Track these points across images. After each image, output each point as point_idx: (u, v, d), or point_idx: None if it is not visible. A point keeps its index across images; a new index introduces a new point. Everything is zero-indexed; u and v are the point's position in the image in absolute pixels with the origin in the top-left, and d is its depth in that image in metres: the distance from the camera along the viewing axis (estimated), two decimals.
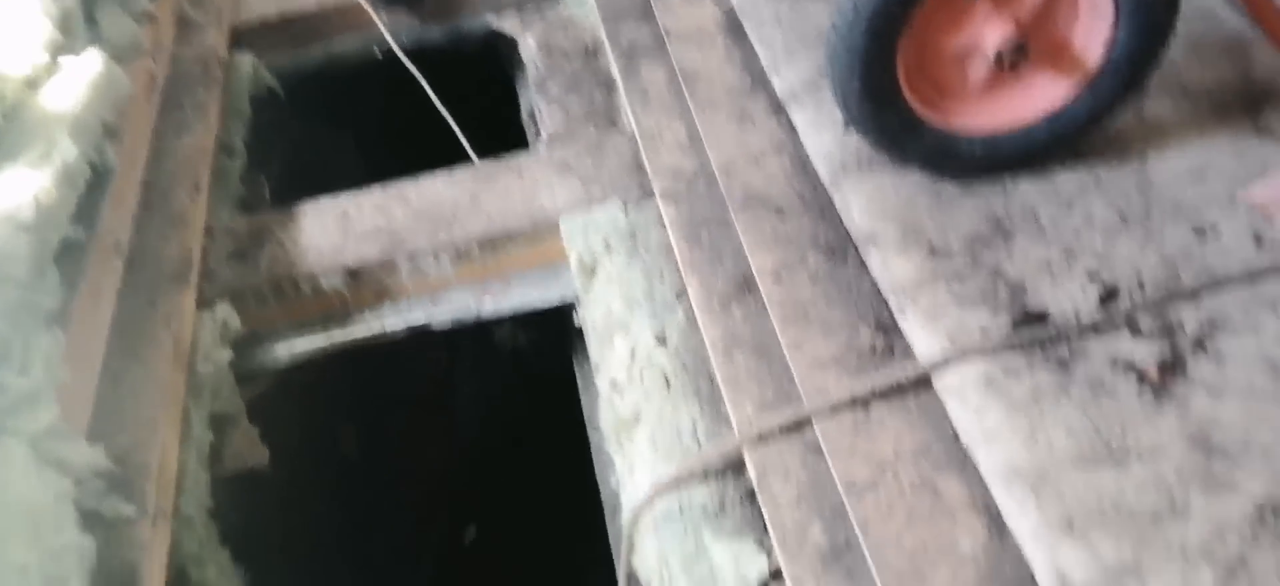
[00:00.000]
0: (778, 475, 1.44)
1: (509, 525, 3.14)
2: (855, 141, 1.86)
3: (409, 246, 1.95)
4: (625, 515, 1.54)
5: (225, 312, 1.86)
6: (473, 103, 2.63)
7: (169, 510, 1.52)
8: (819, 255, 1.73)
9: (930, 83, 1.68)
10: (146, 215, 1.98)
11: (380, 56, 2.79)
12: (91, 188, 1.78)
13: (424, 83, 2.54)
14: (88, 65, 1.81)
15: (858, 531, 1.36)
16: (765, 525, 1.43)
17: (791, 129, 1.98)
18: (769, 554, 1.40)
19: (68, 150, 1.64)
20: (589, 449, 2.22)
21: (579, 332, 2.20)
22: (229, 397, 1.86)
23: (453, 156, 2.37)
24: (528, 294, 2.02)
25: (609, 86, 2.44)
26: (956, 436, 1.46)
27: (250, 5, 2.67)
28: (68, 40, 1.90)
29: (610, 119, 2.34)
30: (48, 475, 1.30)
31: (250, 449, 1.90)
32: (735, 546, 1.41)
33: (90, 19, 2.07)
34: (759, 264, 1.72)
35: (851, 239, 1.74)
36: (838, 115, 1.92)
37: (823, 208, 1.81)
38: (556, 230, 1.99)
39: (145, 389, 1.64)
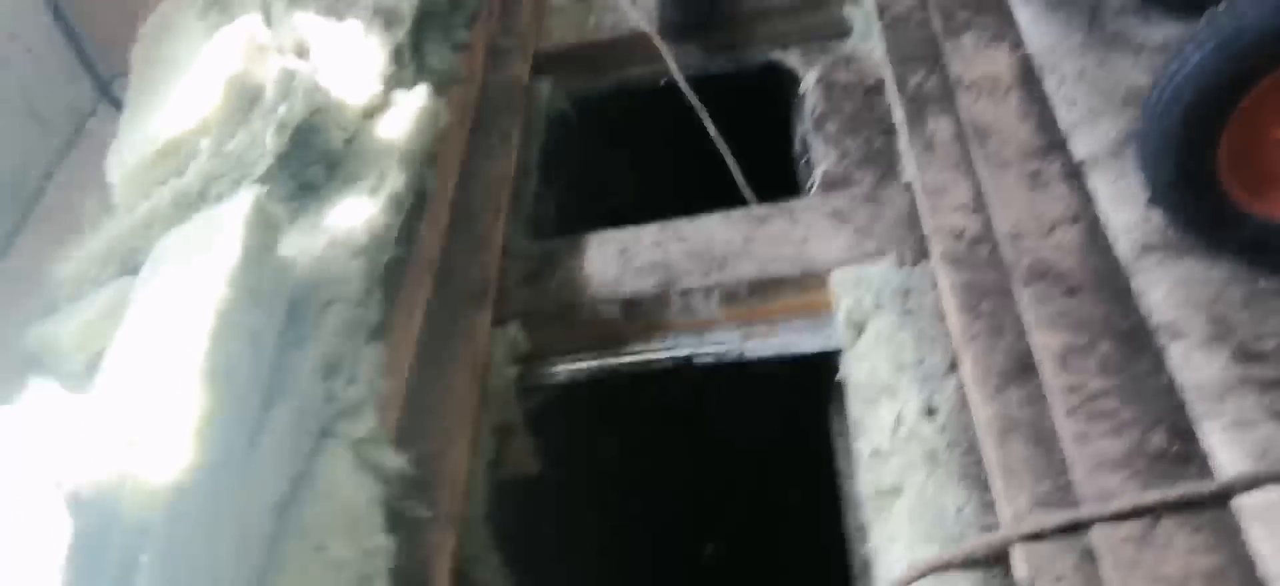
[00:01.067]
0: (1049, 579, 1.38)
1: (749, 549, 3.18)
2: (1162, 218, 1.73)
3: (682, 284, 2.03)
4: None
5: (516, 332, 2.02)
6: (747, 134, 2.68)
7: (458, 514, 1.68)
8: (1111, 343, 1.63)
9: (1256, 171, 1.53)
10: (454, 237, 2.18)
11: (663, 85, 2.91)
12: (412, 210, 1.99)
13: (704, 113, 2.62)
14: (416, 99, 2.03)
15: None
16: None
17: (1088, 198, 1.86)
18: None
19: (397, 180, 1.84)
20: (837, 498, 2.22)
21: (838, 385, 2.20)
22: (512, 410, 2.02)
23: (725, 185, 2.43)
24: (791, 339, 2.05)
25: (888, 130, 2.40)
26: (1255, 565, 1.33)
27: (552, 33, 2.86)
28: (399, 71, 2.12)
29: (888, 165, 2.30)
30: (365, 479, 1.47)
31: (525, 458, 2.06)
32: None
33: (417, 50, 2.30)
34: (1043, 344, 1.65)
35: (1149, 329, 1.62)
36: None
37: (1119, 290, 1.70)
38: (825, 281, 1.99)
39: (445, 400, 1.82)
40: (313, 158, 1.83)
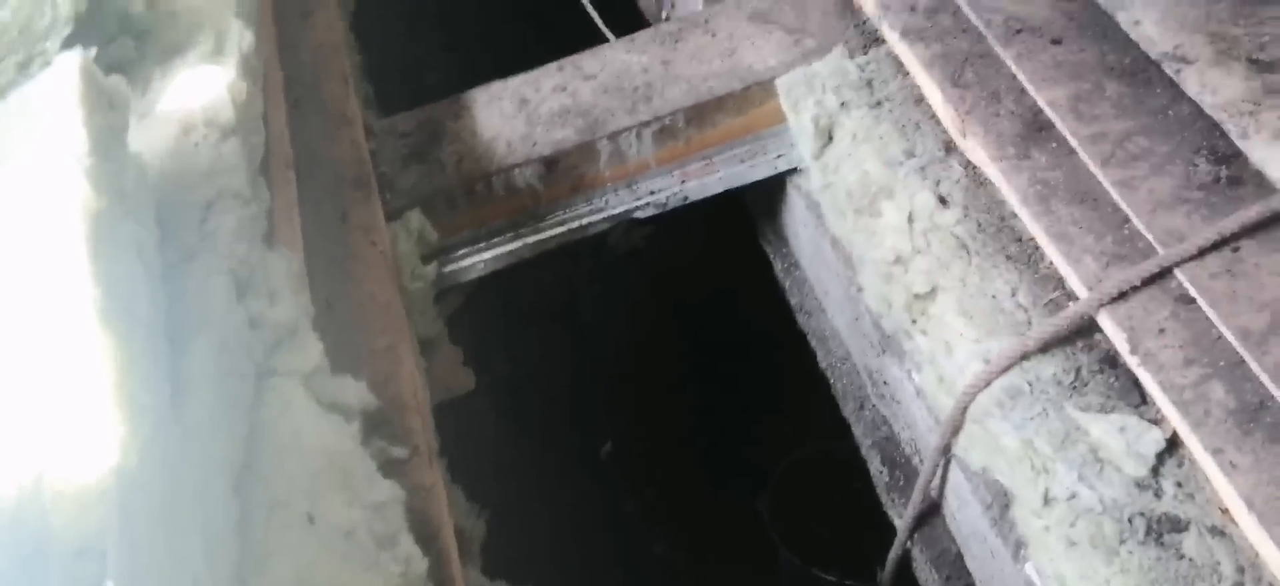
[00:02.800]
0: (1151, 334, 1.24)
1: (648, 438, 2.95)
2: None
3: (608, 126, 1.70)
4: (954, 400, 1.33)
5: (419, 221, 1.63)
6: None
7: (435, 447, 1.31)
8: (1118, 82, 1.49)
9: None
10: (302, 117, 1.71)
11: None
12: None
13: None
14: None
15: (1272, 386, 1.16)
16: (1141, 392, 1.23)
17: None
18: (1159, 423, 1.20)
19: (244, 37, 1.37)
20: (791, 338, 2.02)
21: (774, 213, 1.98)
22: (432, 318, 1.64)
23: (554, 42, 2.05)
24: (737, 170, 1.79)
25: None
26: None
27: None
28: None
29: None
30: (335, 420, 1.08)
31: (457, 374, 1.69)
32: (1116, 420, 1.21)
33: None
34: (1050, 99, 1.49)
35: (1152, 60, 1.51)
36: None
37: (1104, 29, 1.57)
38: (770, 91, 1.74)
39: (368, 313, 1.42)
40: (112, 28, 1.33)
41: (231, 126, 1.24)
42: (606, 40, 1.96)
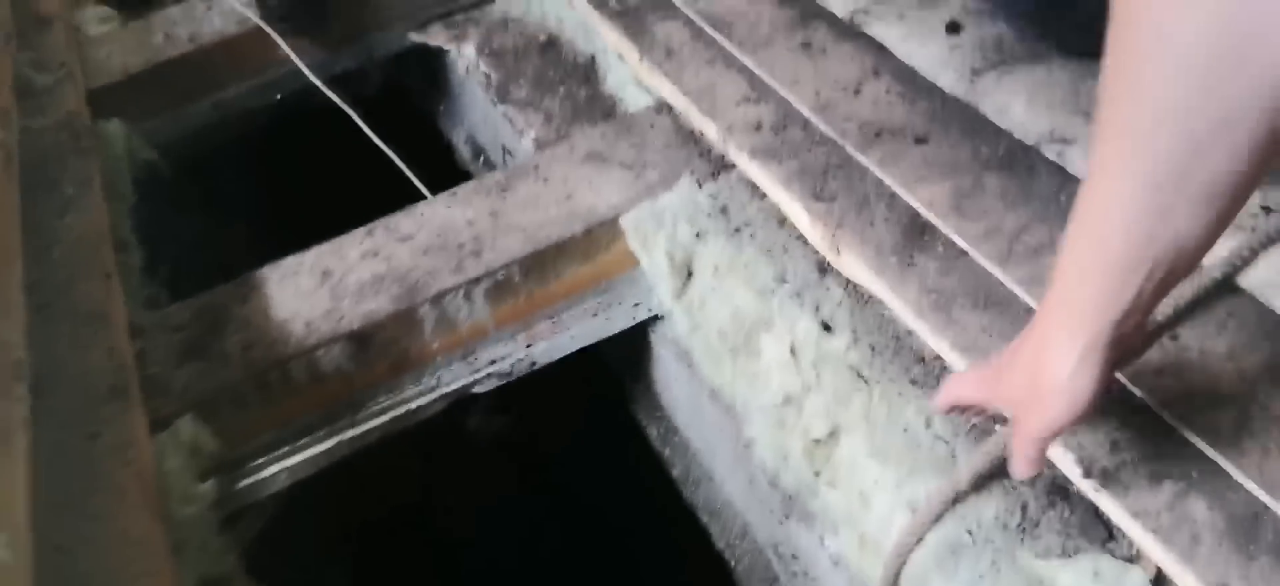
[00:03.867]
0: (1104, 451, 1.02)
1: None
2: (976, 38, 1.51)
3: (432, 288, 1.43)
4: (883, 565, 1.07)
5: (193, 429, 1.29)
6: (393, 138, 2.12)
7: None
8: (999, 173, 1.34)
9: None
10: (42, 323, 1.37)
11: (278, 101, 2.25)
12: None
13: (358, 119, 2.01)
14: None
15: (1261, 492, 0.95)
16: (1105, 523, 1.01)
17: (879, 48, 1.60)
18: (1137, 560, 0.98)
19: None
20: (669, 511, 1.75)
21: (635, 371, 1.74)
22: (218, 552, 1.28)
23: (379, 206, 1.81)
24: (589, 325, 1.54)
25: (588, 79, 2.00)
26: None
27: (106, 63, 2.07)
28: None
29: (609, 107, 1.90)
30: None
31: None
32: (1086, 564, 0.98)
33: None
34: (927, 199, 1.32)
35: (1028, 146, 1.36)
36: (935, 19, 1.57)
37: (970, 122, 1.43)
38: (616, 232, 1.52)
39: (117, 556, 1.06)
40: None
41: None
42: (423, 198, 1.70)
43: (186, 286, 1.96)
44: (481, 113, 2.26)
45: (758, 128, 1.52)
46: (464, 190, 1.61)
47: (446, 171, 2.48)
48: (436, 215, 1.56)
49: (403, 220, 1.55)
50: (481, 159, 2.45)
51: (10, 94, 1.80)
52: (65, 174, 1.70)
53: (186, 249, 2.16)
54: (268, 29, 2.04)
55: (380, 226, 1.55)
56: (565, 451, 2.42)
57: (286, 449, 1.40)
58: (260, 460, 1.38)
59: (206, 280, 1.67)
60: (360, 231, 1.55)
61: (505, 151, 2.17)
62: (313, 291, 1.46)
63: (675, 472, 1.71)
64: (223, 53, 2.10)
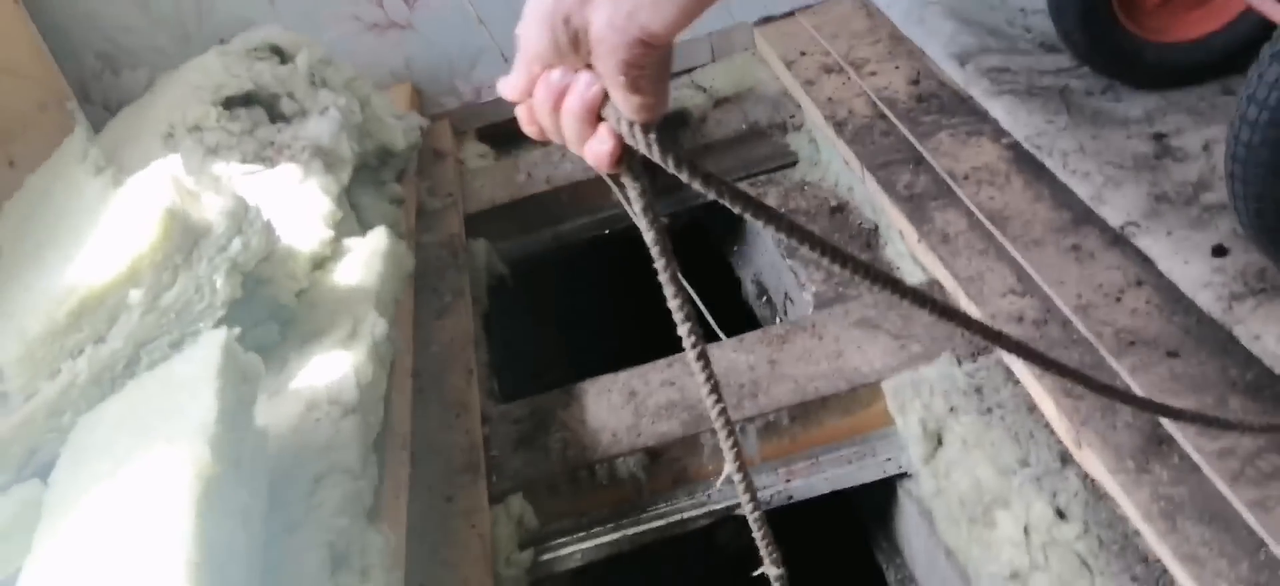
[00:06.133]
0: None
1: None
2: (1241, 265, 1.60)
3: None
4: None
5: (520, 506, 1.65)
6: (691, 276, 2.46)
7: None
8: (1243, 396, 1.43)
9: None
10: (423, 404, 1.81)
11: (606, 236, 2.68)
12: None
13: (667, 251, 2.38)
14: (376, 241, 1.70)
15: None
16: None
17: (1146, 260, 1.72)
18: None
19: (377, 326, 1.48)
20: None
21: (884, 519, 1.92)
22: None
23: (670, 337, 2.13)
24: (844, 471, 1.76)
25: (871, 244, 2.24)
26: None
27: (479, 193, 2.60)
28: (345, 217, 1.79)
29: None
30: None
31: None
32: None
33: (351, 202, 1.98)
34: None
35: (1276, 375, 1.44)
36: (1202, 240, 1.67)
37: (1222, 342, 1.53)
38: (877, 394, 1.74)
39: None
40: (260, 314, 1.46)
41: (352, 405, 1.32)
42: (717, 339, 2.01)
43: (521, 378, 2.40)
44: (769, 260, 2.55)
45: (1020, 319, 1.70)
46: (749, 338, 1.89)
47: (732, 304, 2.82)
48: (725, 356, 1.85)
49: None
50: (765, 299, 2.75)
51: (414, 217, 2.32)
52: (443, 283, 2.17)
53: (523, 348, 2.62)
54: (607, 178, 2.47)
55: (678, 360, 1.87)
56: (809, 580, 2.61)
57: (582, 534, 1.72)
58: (562, 540, 1.71)
59: (538, 374, 2.06)
60: (662, 362, 1.87)
61: (787, 297, 2.45)
62: (620, 406, 1.80)
63: None
64: (569, 193, 2.56)
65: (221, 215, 1.35)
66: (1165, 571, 1.29)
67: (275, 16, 2.68)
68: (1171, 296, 1.64)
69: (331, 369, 1.37)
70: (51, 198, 1.64)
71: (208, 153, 1.72)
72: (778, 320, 2.63)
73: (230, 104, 1.86)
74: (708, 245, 3.03)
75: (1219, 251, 1.65)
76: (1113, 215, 1.82)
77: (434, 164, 2.66)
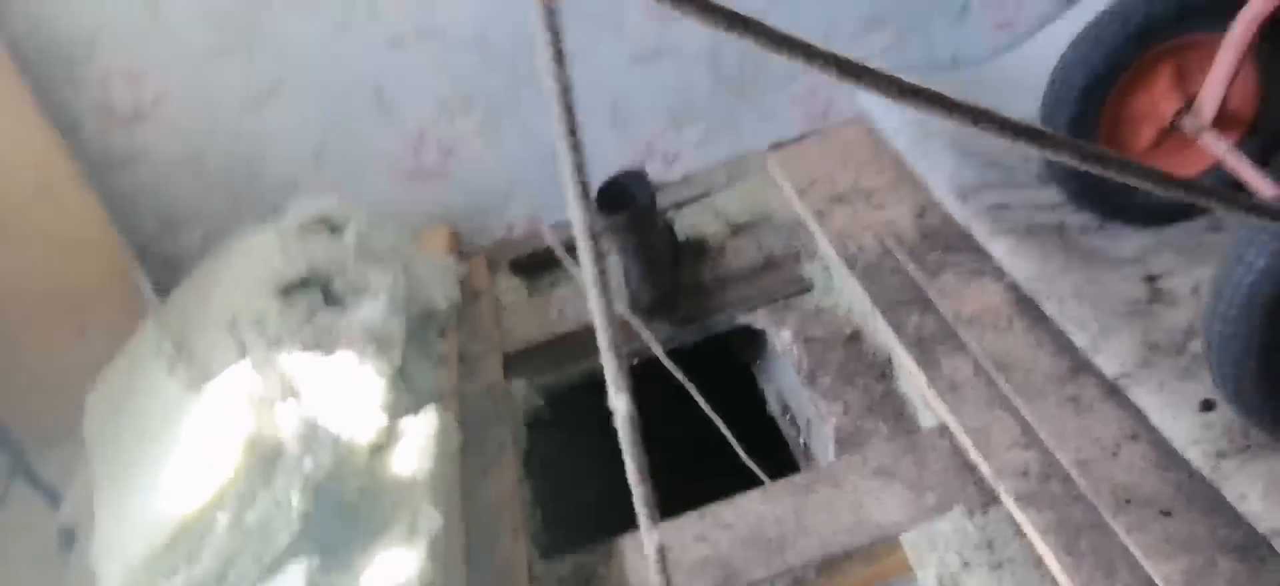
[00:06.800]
0: None
1: None
2: (1227, 421, 1.73)
3: (745, 578, 1.86)
4: None
5: None
6: (716, 402, 2.61)
7: None
8: (1231, 559, 1.56)
9: None
10: (473, 568, 1.95)
11: (634, 367, 2.84)
12: None
13: (691, 388, 2.53)
14: (426, 424, 1.86)
15: None
16: None
17: (1139, 413, 1.85)
18: None
19: (433, 520, 1.64)
20: None
21: None
22: None
23: (703, 461, 2.29)
24: None
25: (884, 376, 2.39)
26: None
27: (514, 332, 2.76)
28: (397, 398, 1.96)
29: (897, 412, 2.27)
30: None
31: None
32: None
33: (403, 372, 2.14)
34: (1164, 574, 1.56)
35: (1261, 535, 1.57)
36: (1191, 392, 1.80)
37: (1213, 501, 1.65)
38: (896, 546, 1.88)
39: None
40: (328, 515, 1.62)
41: None
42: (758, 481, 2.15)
43: (562, 514, 2.54)
44: (790, 383, 2.70)
45: (1025, 473, 1.83)
46: (773, 489, 2.04)
47: (756, 415, 2.96)
48: (752, 509, 2.00)
49: (725, 510, 2.01)
50: (788, 416, 2.89)
51: (456, 372, 2.48)
52: (487, 436, 2.33)
53: (563, 480, 2.76)
54: (631, 319, 2.63)
55: (710, 513, 2.01)
56: None
57: None
58: None
59: (577, 506, 2.18)
60: (694, 515, 2.02)
61: (809, 422, 2.59)
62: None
63: None
64: (591, 333, 2.72)
65: (294, 439, 1.52)
66: None
67: (319, 173, 2.87)
68: (1164, 451, 1.77)
69: (394, 570, 1.52)
70: (133, 397, 1.81)
71: (270, 343, 1.89)
72: (801, 441, 2.78)
73: (288, 290, 2.04)
74: (730, 358, 3.17)
75: (1207, 406, 1.78)
76: (1108, 365, 1.95)
77: (472, 304, 2.82)
